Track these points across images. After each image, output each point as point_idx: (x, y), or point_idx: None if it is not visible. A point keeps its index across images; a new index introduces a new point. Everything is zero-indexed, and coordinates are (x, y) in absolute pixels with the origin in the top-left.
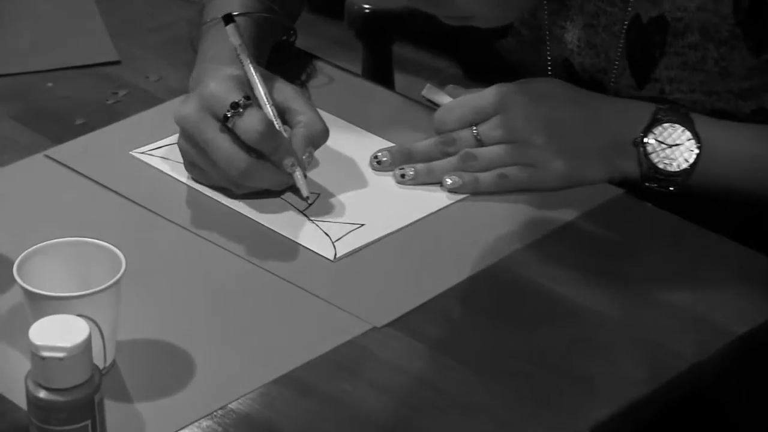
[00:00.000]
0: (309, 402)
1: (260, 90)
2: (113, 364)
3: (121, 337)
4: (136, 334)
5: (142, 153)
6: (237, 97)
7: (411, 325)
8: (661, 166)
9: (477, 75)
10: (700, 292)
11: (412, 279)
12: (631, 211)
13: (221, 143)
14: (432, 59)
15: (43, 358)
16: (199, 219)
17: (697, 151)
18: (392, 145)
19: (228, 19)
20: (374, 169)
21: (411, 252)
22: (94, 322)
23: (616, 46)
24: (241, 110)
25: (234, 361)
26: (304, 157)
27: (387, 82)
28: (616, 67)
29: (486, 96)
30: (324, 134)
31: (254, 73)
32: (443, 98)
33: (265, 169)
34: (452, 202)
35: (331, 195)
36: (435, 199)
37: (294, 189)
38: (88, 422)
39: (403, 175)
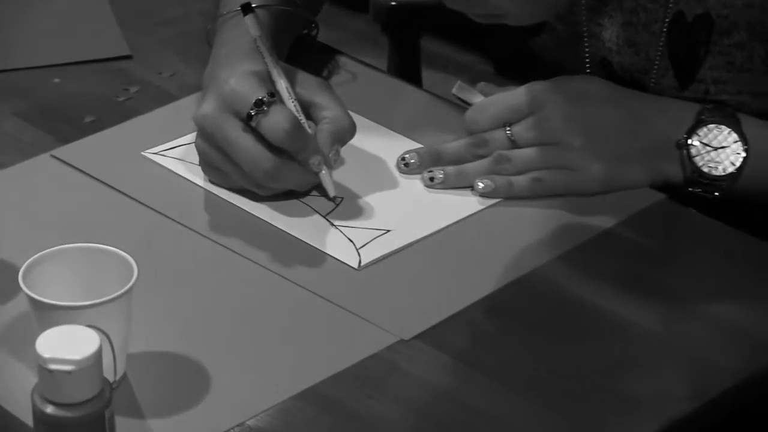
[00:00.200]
0: (332, 419)
1: (282, 84)
2: (124, 377)
3: (132, 349)
4: (148, 346)
5: (155, 153)
6: (261, 93)
7: (440, 338)
8: (705, 169)
9: (510, 72)
10: (746, 305)
11: (441, 289)
12: (674, 217)
13: (245, 143)
14: (462, 55)
15: (51, 372)
16: (215, 224)
17: (743, 154)
18: (420, 146)
19: (246, 9)
20: (401, 171)
21: (440, 260)
22: (104, 333)
23: (657, 45)
24: (265, 108)
25: (252, 375)
26: (330, 155)
27: (414, 79)
28: (656, 67)
29: (520, 94)
30: (351, 130)
31: (275, 67)
32: (475, 96)
33: (292, 169)
34: (484, 207)
35: (356, 199)
36: (465, 204)
37: (319, 189)
38: None
39: (431, 179)
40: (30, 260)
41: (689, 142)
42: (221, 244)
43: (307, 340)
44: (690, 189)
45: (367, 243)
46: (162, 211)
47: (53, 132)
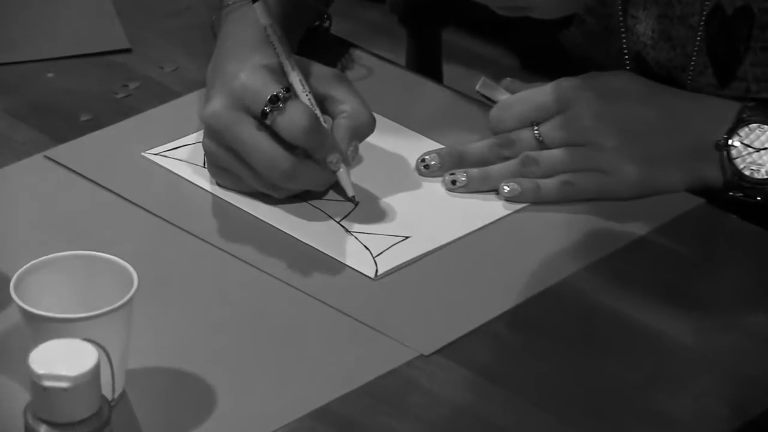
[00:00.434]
0: None
1: (296, 77)
2: (123, 395)
3: (132, 364)
4: (149, 361)
5: (156, 154)
6: (275, 89)
7: (462, 353)
8: (747, 172)
9: (537, 67)
10: None
11: (464, 300)
12: (713, 223)
13: (260, 143)
14: (486, 48)
15: (45, 389)
16: (221, 230)
17: None
18: (441, 146)
19: None
20: (421, 174)
21: (462, 269)
22: (102, 347)
23: (694, 40)
24: (281, 104)
25: (260, 393)
26: (348, 152)
27: (434, 75)
28: (693, 63)
29: (549, 91)
30: (370, 124)
31: (288, 58)
32: (500, 93)
33: (309, 169)
34: (510, 212)
35: (372, 203)
36: (490, 208)
37: (336, 188)
38: None
39: (453, 182)
40: (22, 269)
41: (729, 142)
42: (227, 252)
43: (319, 355)
44: (730, 193)
45: (384, 250)
46: (164, 216)
47: (47, 131)
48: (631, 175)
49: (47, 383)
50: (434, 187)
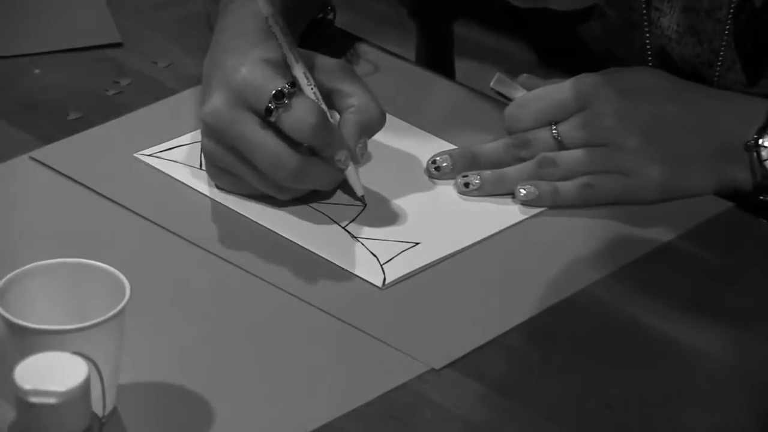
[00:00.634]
0: None
1: (300, 70)
2: (114, 411)
3: (124, 379)
4: (142, 376)
5: (150, 155)
6: (279, 84)
7: (476, 367)
8: None
9: (556, 62)
10: None
11: (477, 311)
12: (742, 228)
13: (265, 141)
14: (501, 42)
15: (32, 405)
16: (220, 237)
17: None
18: (453, 147)
19: None
20: (431, 176)
21: (475, 278)
22: (92, 361)
23: (722, 34)
24: (286, 100)
25: (261, 409)
26: (356, 149)
27: (446, 70)
28: (721, 58)
29: (568, 88)
30: (380, 119)
31: (292, 50)
32: (516, 91)
33: (317, 167)
34: (526, 217)
35: (379, 208)
36: (505, 213)
37: (344, 187)
38: None
39: (466, 184)
40: (7, 277)
41: (760, 143)
42: (225, 260)
43: (323, 369)
44: (761, 197)
45: (392, 258)
46: (158, 221)
47: (33, 130)
48: (654, 177)
49: (34, 399)
50: (446, 191)
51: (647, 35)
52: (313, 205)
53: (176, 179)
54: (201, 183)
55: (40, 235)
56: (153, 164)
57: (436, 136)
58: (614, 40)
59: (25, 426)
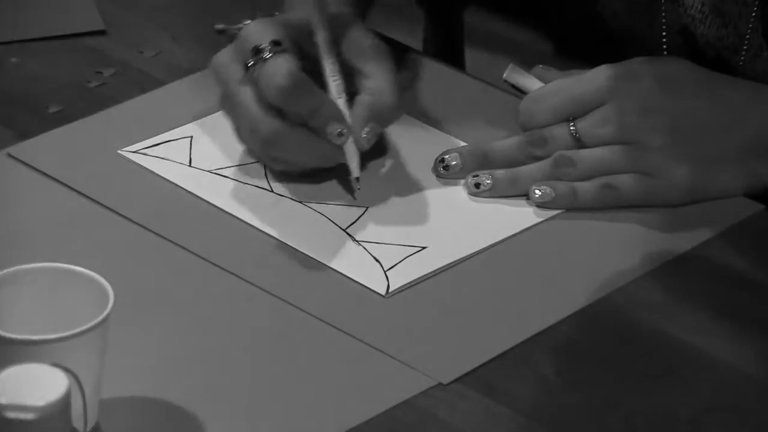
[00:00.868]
0: None
1: (321, 37)
2: (96, 428)
3: (107, 393)
4: (127, 390)
5: (135, 152)
6: (265, 39)
7: (488, 382)
8: None
9: (574, 51)
10: None
11: (489, 321)
12: None
13: (244, 99)
14: (515, 31)
15: (9, 421)
16: (211, 240)
17: None
18: (463, 144)
19: None
20: (439, 176)
21: (487, 285)
22: (73, 373)
23: (749, 17)
24: (265, 56)
25: (253, 427)
26: (363, 135)
27: (456, 61)
28: (746, 43)
29: (587, 81)
30: (390, 111)
31: (320, 13)
32: (531, 83)
33: (299, 137)
34: (542, 220)
35: (383, 209)
36: (519, 216)
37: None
38: None
39: (477, 185)
40: None
41: None
42: (217, 265)
43: (321, 384)
44: None
45: (397, 263)
46: (144, 223)
47: (10, 125)
48: (681, 177)
49: (11, 414)
50: (455, 191)
51: (668, 13)
52: (311, 205)
53: (164, 178)
54: (190, 182)
55: (17, 238)
56: (139, 161)
57: (445, 132)
58: (635, 17)
59: None
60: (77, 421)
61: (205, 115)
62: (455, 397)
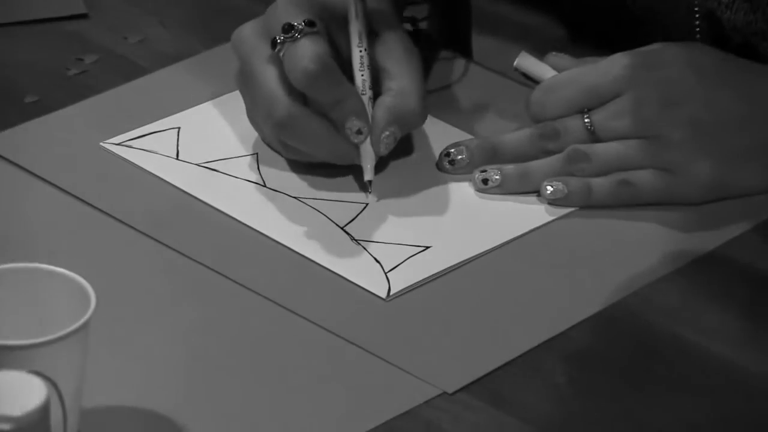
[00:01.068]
0: None
1: (355, 27)
2: None
3: (88, 402)
4: (109, 399)
5: (118, 144)
6: (298, 18)
7: (495, 391)
8: None
9: (590, 37)
10: None
11: (496, 326)
12: None
13: (265, 76)
14: (526, 15)
15: None
16: (200, 239)
17: None
18: (470, 137)
19: None
20: (444, 171)
21: (495, 288)
22: (52, 381)
23: None
24: (297, 36)
25: None
26: (382, 137)
27: (462, 48)
28: None
29: (604, 69)
30: (413, 116)
31: (357, 5)
32: (543, 71)
33: (316, 127)
34: (554, 218)
35: (384, 206)
36: (529, 214)
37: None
38: None
39: (485, 181)
40: None
41: None
42: (206, 266)
43: (318, 394)
44: None
45: (398, 264)
46: (128, 221)
47: None
48: (702, 173)
49: None
50: (461, 188)
51: None
52: (307, 200)
53: (149, 172)
54: (178, 176)
55: None
56: (122, 154)
57: (451, 124)
58: (657, 1)
59: None
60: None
61: (194, 105)
62: (460, 407)
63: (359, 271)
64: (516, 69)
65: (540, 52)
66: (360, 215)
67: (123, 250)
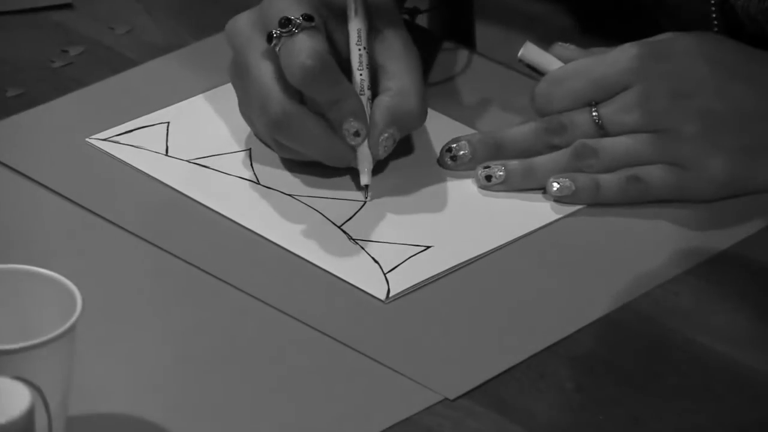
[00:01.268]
0: None
1: (355, 26)
2: None
3: (74, 410)
4: (97, 407)
5: (105, 140)
6: (296, 12)
7: (499, 397)
8: None
9: (597, 27)
10: None
11: (500, 330)
12: None
13: (261, 72)
14: (531, 3)
15: None
16: (190, 239)
17: None
18: (473, 132)
19: None
20: (446, 167)
21: (498, 290)
22: (37, 387)
23: None
24: (295, 30)
25: None
26: (381, 139)
27: (465, 38)
28: None
29: (612, 61)
30: (412, 117)
31: (359, 3)
32: (549, 62)
33: (311, 126)
34: (561, 216)
35: (383, 204)
36: (535, 212)
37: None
38: None
39: (488, 177)
40: None
41: None
42: (197, 266)
43: (315, 400)
44: None
45: (398, 265)
46: (115, 220)
47: None
48: (716, 169)
49: None
50: (463, 184)
51: None
52: (303, 198)
53: (137, 169)
54: (167, 173)
55: None
56: (109, 150)
57: (453, 118)
58: None
59: None
60: None
61: (184, 98)
62: (463, 414)
63: (357, 272)
64: (520, 60)
65: (546, 43)
66: (358, 213)
67: (110, 251)
